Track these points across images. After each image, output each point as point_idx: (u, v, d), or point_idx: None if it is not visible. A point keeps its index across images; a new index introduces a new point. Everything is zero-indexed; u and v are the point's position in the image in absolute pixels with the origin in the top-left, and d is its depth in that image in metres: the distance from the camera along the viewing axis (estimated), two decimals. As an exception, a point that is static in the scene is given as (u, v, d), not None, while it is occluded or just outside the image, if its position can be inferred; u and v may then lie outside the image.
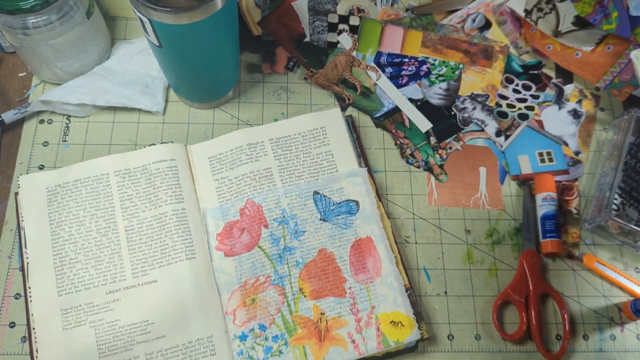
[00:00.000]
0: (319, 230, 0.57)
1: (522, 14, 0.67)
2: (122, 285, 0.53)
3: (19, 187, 0.56)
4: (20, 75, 0.64)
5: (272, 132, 0.60)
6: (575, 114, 0.67)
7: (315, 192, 0.58)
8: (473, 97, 0.67)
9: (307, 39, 0.69)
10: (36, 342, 0.51)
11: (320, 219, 0.57)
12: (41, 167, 0.59)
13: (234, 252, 0.55)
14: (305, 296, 0.54)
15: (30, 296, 0.52)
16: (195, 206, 0.57)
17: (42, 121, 0.62)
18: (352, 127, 0.63)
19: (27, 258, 0.53)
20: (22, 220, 0.55)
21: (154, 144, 0.60)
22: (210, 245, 0.55)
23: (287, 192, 0.58)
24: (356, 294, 0.54)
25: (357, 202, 0.57)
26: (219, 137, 0.60)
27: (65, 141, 0.61)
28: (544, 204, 0.59)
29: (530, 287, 0.56)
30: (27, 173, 0.59)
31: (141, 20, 0.48)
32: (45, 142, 0.61)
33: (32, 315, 0.52)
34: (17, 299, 0.54)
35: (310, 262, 0.55)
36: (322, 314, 0.53)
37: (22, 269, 0.54)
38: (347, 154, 0.60)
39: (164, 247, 0.54)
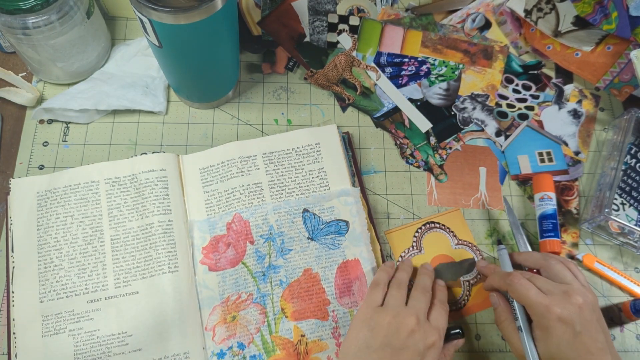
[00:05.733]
0: (305, 249, 0.55)
1: (522, 14, 0.67)
2: (104, 295, 0.52)
3: (10, 189, 0.56)
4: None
5: (265, 146, 0.59)
6: (575, 114, 0.67)
7: (305, 210, 0.57)
8: (473, 97, 0.67)
9: (307, 39, 0.69)
10: (15, 347, 0.50)
11: (308, 238, 0.56)
12: (41, 167, 0.59)
13: (218, 267, 0.54)
14: (286, 317, 0.53)
15: (13, 300, 0.52)
16: (183, 218, 0.56)
17: (42, 121, 0.62)
18: (349, 145, 0.62)
19: (13, 262, 0.53)
20: (11, 224, 0.55)
21: (145, 153, 0.60)
22: (195, 258, 0.55)
23: (276, 209, 0.57)
24: (339, 317, 0.53)
25: (347, 222, 0.56)
26: (212, 148, 0.59)
27: (65, 141, 0.61)
28: (542, 204, 0.59)
29: None
30: (27, 173, 0.59)
31: (141, 21, 0.48)
32: (45, 142, 0.61)
33: (13, 320, 0.51)
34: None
35: (294, 282, 0.54)
36: (303, 336, 0.52)
37: (7, 272, 0.54)
38: (340, 172, 0.58)
39: (148, 259, 0.54)
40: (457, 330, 0.52)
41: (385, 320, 0.47)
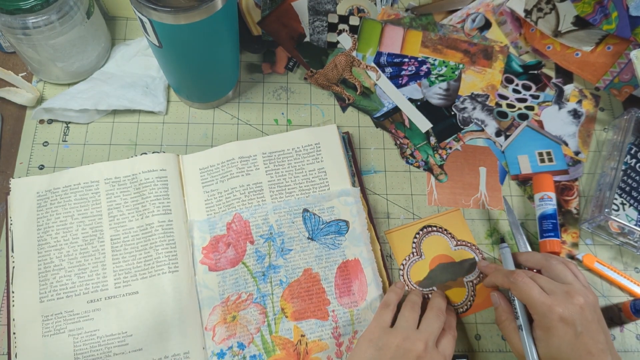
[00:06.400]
0: (305, 249, 0.55)
1: (522, 14, 0.67)
2: (104, 295, 0.52)
3: (10, 189, 0.56)
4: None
5: (266, 146, 0.59)
6: (575, 114, 0.67)
7: (305, 210, 0.57)
8: (473, 97, 0.67)
9: (307, 39, 0.69)
10: (15, 347, 0.50)
11: (308, 238, 0.56)
12: (41, 167, 0.59)
13: (218, 267, 0.54)
14: (286, 317, 0.53)
15: (13, 301, 0.52)
16: (183, 218, 0.56)
17: (42, 121, 0.62)
18: (349, 145, 0.62)
19: (13, 262, 0.53)
20: (11, 224, 0.55)
21: (145, 153, 0.60)
22: (195, 258, 0.55)
23: (276, 209, 0.57)
24: (339, 317, 0.53)
25: (347, 222, 0.56)
26: (212, 148, 0.59)
27: (65, 141, 0.61)
28: (542, 204, 0.59)
29: None
30: (27, 173, 0.59)
31: (141, 21, 0.48)
32: (46, 142, 0.61)
33: (13, 320, 0.51)
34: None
35: (294, 282, 0.54)
36: (303, 336, 0.52)
37: (7, 272, 0.54)
38: (340, 172, 0.58)
39: (148, 259, 0.54)
40: None
41: (394, 343, 0.47)
